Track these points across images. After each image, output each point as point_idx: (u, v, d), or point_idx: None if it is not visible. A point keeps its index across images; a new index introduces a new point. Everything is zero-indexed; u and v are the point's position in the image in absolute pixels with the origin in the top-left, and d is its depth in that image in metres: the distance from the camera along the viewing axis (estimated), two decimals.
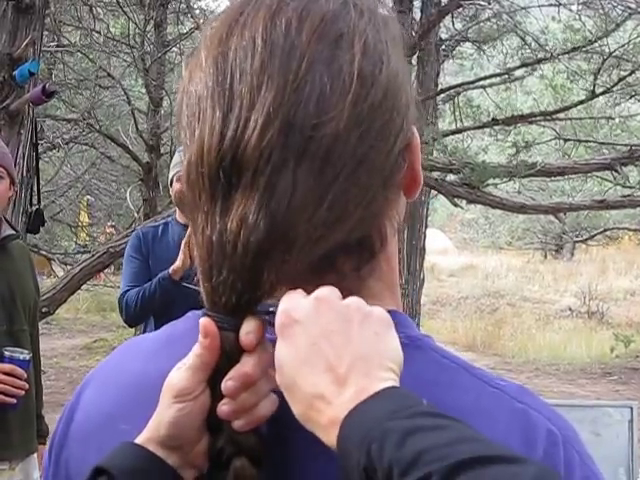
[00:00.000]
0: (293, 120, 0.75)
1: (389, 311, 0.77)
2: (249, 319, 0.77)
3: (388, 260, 0.86)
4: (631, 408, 3.28)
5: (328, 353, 0.72)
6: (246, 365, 0.76)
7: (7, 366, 3.12)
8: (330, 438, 0.71)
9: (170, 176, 4.12)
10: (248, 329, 0.77)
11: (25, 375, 3.17)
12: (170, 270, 3.93)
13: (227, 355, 0.77)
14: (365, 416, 0.68)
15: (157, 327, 4.06)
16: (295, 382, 0.73)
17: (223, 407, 0.76)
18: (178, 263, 3.91)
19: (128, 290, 4.11)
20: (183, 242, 3.92)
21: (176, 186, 4.01)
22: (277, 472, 0.79)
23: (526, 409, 0.80)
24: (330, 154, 0.76)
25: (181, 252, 3.92)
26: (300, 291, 0.77)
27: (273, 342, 0.79)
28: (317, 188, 0.76)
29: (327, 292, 0.76)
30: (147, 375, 0.86)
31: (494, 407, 0.79)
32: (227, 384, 0.76)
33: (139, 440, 0.79)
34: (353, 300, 0.76)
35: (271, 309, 0.78)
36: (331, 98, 0.76)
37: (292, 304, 0.76)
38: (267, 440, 0.78)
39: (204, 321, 0.77)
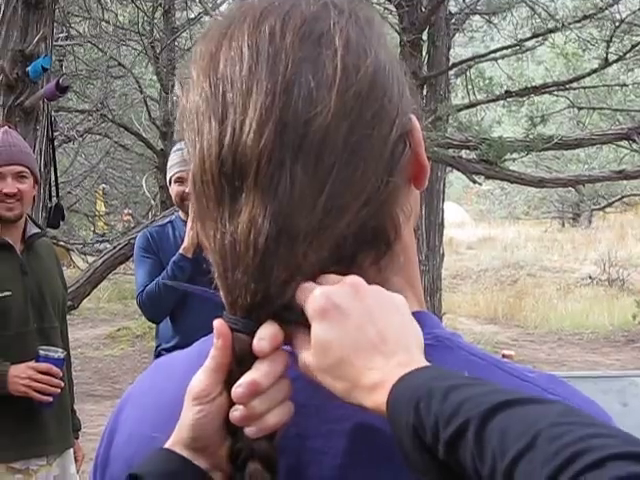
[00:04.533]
0: (286, 119, 0.77)
1: (413, 313, 0.80)
2: (267, 324, 0.78)
3: (405, 252, 0.88)
4: None
5: (373, 335, 0.75)
6: (257, 372, 0.77)
7: (43, 365, 3.16)
8: (375, 399, 0.73)
9: (168, 177, 4.07)
10: (262, 335, 0.77)
11: (61, 374, 3.22)
12: (181, 250, 3.92)
13: (239, 358, 0.78)
14: (413, 381, 0.72)
15: (173, 326, 4.07)
16: (344, 360, 0.75)
17: (235, 413, 0.77)
18: (186, 242, 3.91)
19: (145, 287, 4.05)
20: (188, 226, 3.92)
21: (175, 187, 4.01)
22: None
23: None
24: (323, 147, 0.78)
25: (187, 231, 3.92)
26: (333, 276, 0.79)
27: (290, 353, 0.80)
28: (314, 181, 0.78)
29: (358, 279, 0.78)
30: (182, 394, 0.86)
31: None
32: (236, 391, 0.76)
33: (167, 445, 0.80)
34: (377, 288, 0.79)
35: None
36: (318, 93, 0.78)
37: (330, 289, 0.77)
38: (282, 448, 0.79)
39: (217, 322, 0.79)
